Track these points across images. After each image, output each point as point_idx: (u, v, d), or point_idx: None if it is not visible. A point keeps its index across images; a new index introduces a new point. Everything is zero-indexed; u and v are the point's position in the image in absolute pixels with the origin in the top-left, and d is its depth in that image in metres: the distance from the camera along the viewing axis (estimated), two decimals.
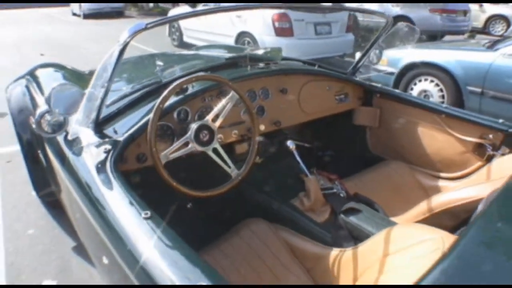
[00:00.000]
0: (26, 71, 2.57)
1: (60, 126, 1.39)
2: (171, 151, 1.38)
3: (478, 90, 3.67)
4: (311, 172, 1.78)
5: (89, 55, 7.61)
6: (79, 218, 1.47)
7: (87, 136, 1.37)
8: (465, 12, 10.25)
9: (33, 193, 2.65)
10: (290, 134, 2.16)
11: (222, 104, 1.49)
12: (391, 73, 4.34)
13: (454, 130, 1.92)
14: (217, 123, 1.47)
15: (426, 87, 4.11)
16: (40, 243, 2.22)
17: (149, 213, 1.01)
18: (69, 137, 1.44)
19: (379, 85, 2.23)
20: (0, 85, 5.40)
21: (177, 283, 0.82)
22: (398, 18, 10.39)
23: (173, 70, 1.76)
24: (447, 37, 10.15)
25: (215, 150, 1.47)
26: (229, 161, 1.49)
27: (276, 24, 5.84)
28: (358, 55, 2.21)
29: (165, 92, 1.38)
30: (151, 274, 0.88)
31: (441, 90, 3.99)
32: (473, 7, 14.03)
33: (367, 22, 10.87)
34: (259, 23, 6.05)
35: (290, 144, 1.76)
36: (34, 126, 1.41)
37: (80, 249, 2.14)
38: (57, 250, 2.16)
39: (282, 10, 5.71)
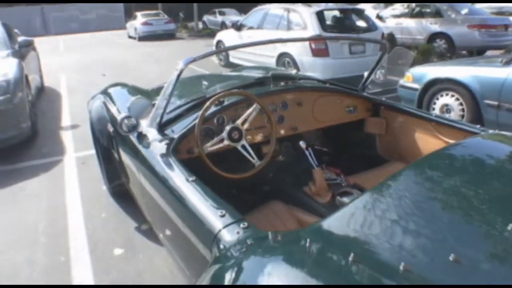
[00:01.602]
0: (100, 89, 3.25)
1: (134, 128, 1.98)
2: (211, 145, 1.94)
3: (495, 103, 3.99)
4: (320, 167, 2.26)
5: (146, 74, 8.45)
6: (147, 199, 2.05)
7: (153, 135, 1.96)
8: (506, 27, 10.25)
9: (104, 187, 3.31)
10: (309, 139, 2.65)
11: (249, 113, 2.04)
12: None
13: (442, 135, 2.33)
14: (245, 126, 2.02)
15: (447, 102, 4.46)
16: (110, 223, 2.84)
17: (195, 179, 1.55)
18: (141, 135, 2.03)
19: (383, 99, 2.69)
20: (74, 102, 6.29)
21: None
22: (436, 35, 10.66)
23: (214, 88, 2.35)
24: (489, 52, 10.17)
25: (243, 146, 2.01)
26: (253, 154, 2.02)
27: (313, 45, 6.36)
28: (366, 74, 2.69)
29: (207, 104, 1.95)
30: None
31: (461, 104, 4.33)
32: None
33: (405, 40, 11.11)
34: (298, 44, 6.59)
35: (302, 144, 2.26)
36: (116, 127, 2.01)
37: (139, 229, 2.74)
38: (123, 228, 2.77)
39: (317, 33, 6.25)
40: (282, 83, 2.42)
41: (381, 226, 1.08)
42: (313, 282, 0.94)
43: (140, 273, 2.31)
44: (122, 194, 3.06)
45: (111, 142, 2.67)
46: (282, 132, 2.31)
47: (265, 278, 0.99)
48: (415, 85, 4.77)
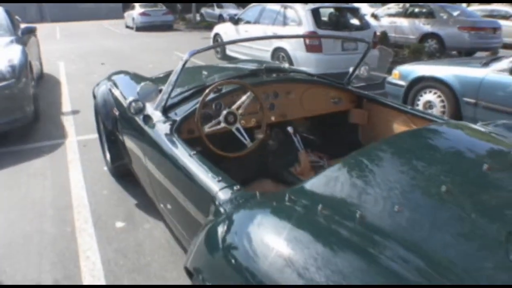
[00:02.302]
0: (100, 77, 3.47)
1: (140, 110, 2.21)
2: (209, 127, 2.18)
3: (473, 101, 4.26)
4: (306, 151, 2.51)
5: (144, 64, 8.65)
6: (150, 175, 2.28)
7: (158, 116, 2.20)
8: (494, 30, 10.55)
9: (105, 168, 3.54)
10: (298, 127, 2.90)
11: (243, 99, 2.28)
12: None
13: (416, 125, 2.57)
14: (240, 111, 2.26)
15: (430, 98, 4.73)
16: (112, 199, 3.08)
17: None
18: (147, 117, 2.26)
19: (366, 92, 2.94)
20: (73, 89, 6.48)
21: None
22: (428, 35, 10.94)
23: (213, 77, 2.59)
24: (478, 54, 10.45)
25: (237, 129, 2.26)
26: (246, 136, 2.27)
27: (307, 41, 6.60)
28: (351, 69, 2.94)
29: (207, 91, 2.19)
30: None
31: (442, 101, 4.60)
32: (510, 23, 14.26)
33: (398, 39, 11.38)
34: (292, 40, 6.82)
35: (290, 129, 2.51)
36: (121, 110, 2.24)
37: (139, 205, 2.98)
38: (124, 204, 3.00)
39: (311, 29, 6.49)
40: (274, 75, 2.66)
41: (347, 186, 1.34)
42: (299, 230, 1.17)
43: (140, 242, 2.55)
44: (123, 174, 3.29)
45: (116, 125, 2.90)
46: (273, 118, 2.56)
47: (255, 228, 1.23)
48: (402, 82, 5.04)
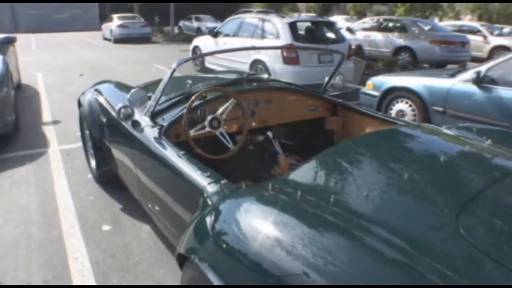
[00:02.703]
0: (86, 87, 3.57)
1: (129, 116, 2.33)
2: (194, 131, 2.32)
3: (441, 109, 4.53)
4: (285, 154, 2.67)
5: (123, 76, 8.66)
6: (139, 178, 2.39)
7: (146, 122, 2.32)
8: (463, 44, 11.08)
9: (90, 175, 3.62)
10: (278, 133, 3.06)
11: (226, 106, 2.43)
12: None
13: None
14: (223, 117, 2.41)
15: (402, 108, 4.98)
16: (98, 205, 3.15)
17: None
18: (135, 122, 2.38)
19: (340, 100, 3.14)
20: (53, 99, 6.49)
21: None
22: (401, 49, 11.37)
23: (197, 86, 2.73)
24: (449, 67, 10.87)
25: (221, 133, 2.40)
26: (229, 140, 2.41)
27: (285, 54, 6.82)
28: (326, 79, 3.13)
29: (193, 98, 2.33)
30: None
31: (413, 110, 4.86)
32: (478, 38, 14.94)
33: (372, 52, 11.77)
34: (270, 52, 7.05)
35: (270, 134, 2.67)
36: (108, 117, 2.36)
37: (125, 209, 3.07)
38: (110, 209, 3.08)
39: (288, 42, 6.72)
40: (255, 84, 2.83)
41: (323, 176, 1.54)
42: (284, 214, 1.31)
43: (127, 244, 2.64)
44: (108, 181, 3.38)
45: (103, 131, 2.99)
46: (254, 124, 2.72)
47: (242, 214, 1.37)
48: (375, 93, 5.28)
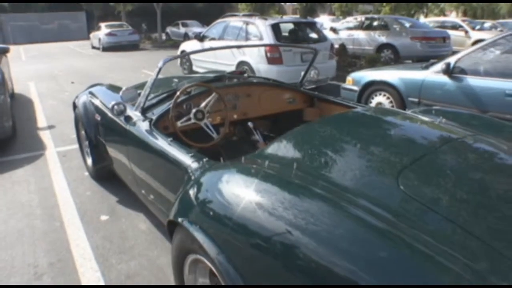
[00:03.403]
0: (84, 89, 3.81)
1: (122, 112, 2.58)
2: (181, 123, 2.57)
3: (416, 100, 4.81)
4: (265, 142, 2.92)
5: (113, 82, 8.79)
6: (132, 170, 2.63)
7: (138, 116, 2.56)
8: (444, 39, 11.43)
9: (86, 173, 3.84)
10: (259, 126, 3.31)
11: (209, 99, 2.68)
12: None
13: None
14: (207, 109, 2.66)
15: (380, 100, 5.26)
16: (95, 198, 3.38)
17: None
18: (128, 117, 2.62)
19: (316, 93, 3.40)
20: (47, 106, 6.69)
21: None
22: (384, 46, 11.69)
23: (183, 83, 2.98)
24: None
25: (205, 124, 2.65)
26: (213, 130, 2.66)
27: (268, 54, 7.10)
28: (302, 73, 3.39)
29: (178, 93, 2.58)
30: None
31: (391, 102, 5.14)
32: (460, 33, 15.33)
33: (355, 50, 12.09)
34: (255, 53, 7.32)
35: (250, 124, 2.92)
36: (102, 116, 2.61)
37: (121, 201, 3.30)
38: (107, 202, 3.31)
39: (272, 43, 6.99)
40: (235, 80, 3.08)
41: (292, 149, 1.78)
42: (263, 182, 1.50)
43: (123, 231, 2.88)
44: (104, 177, 3.61)
45: (98, 129, 3.23)
46: (235, 116, 2.97)
47: (224, 184, 1.60)
48: (355, 87, 5.56)
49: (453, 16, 34.45)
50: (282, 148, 1.81)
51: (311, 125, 2.02)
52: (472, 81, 4.33)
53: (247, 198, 1.45)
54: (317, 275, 1.16)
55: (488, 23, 18.81)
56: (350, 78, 5.71)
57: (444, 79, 4.54)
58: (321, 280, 1.15)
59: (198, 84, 2.79)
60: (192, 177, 1.79)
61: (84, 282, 2.34)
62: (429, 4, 33.53)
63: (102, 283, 2.33)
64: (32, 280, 2.36)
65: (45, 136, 5.15)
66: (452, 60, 4.56)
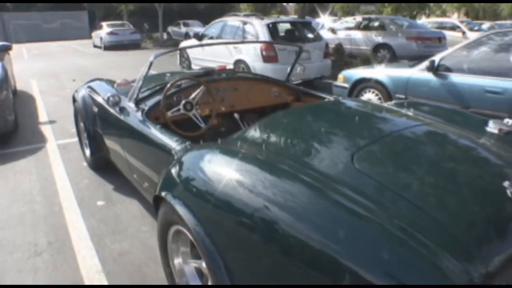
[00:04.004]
0: (83, 83, 4.01)
1: (116, 103, 2.78)
2: (171, 113, 2.76)
3: (403, 96, 5.00)
4: None
5: (114, 79, 9.10)
6: (127, 158, 2.82)
7: (131, 107, 2.76)
8: (439, 39, 11.60)
9: (84, 164, 4.04)
10: (248, 119, 3.50)
11: (197, 92, 2.88)
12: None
13: None
14: (195, 101, 2.86)
15: (369, 97, 5.45)
16: (92, 186, 3.58)
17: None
18: (122, 108, 2.82)
19: (301, 87, 3.60)
20: (48, 103, 6.89)
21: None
22: (380, 46, 11.86)
23: (174, 77, 3.18)
24: None
25: (194, 114, 2.84)
26: (201, 120, 2.86)
27: (264, 53, 7.30)
28: (288, 69, 3.59)
29: (168, 85, 2.78)
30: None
31: (380, 98, 5.33)
32: (457, 34, 15.48)
33: (352, 50, 12.27)
34: (251, 52, 7.51)
35: (236, 115, 3.12)
36: (100, 108, 2.82)
37: (116, 189, 3.50)
38: (103, 189, 3.51)
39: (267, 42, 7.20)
40: (224, 75, 3.28)
41: (265, 133, 1.97)
42: (243, 162, 1.66)
43: (117, 215, 3.08)
44: (101, 167, 3.81)
45: (95, 121, 3.43)
46: (223, 108, 3.17)
47: (205, 163, 1.78)
48: (346, 84, 5.75)
49: (454, 17, 34.66)
50: (256, 132, 2.00)
51: (283, 113, 2.21)
52: (455, 78, 4.52)
53: (228, 177, 1.60)
54: (284, 244, 1.32)
55: (486, 24, 18.93)
56: (341, 75, 5.91)
57: (429, 76, 4.73)
58: (287, 249, 1.31)
59: (187, 78, 2.99)
60: (175, 157, 1.98)
61: (79, 258, 2.54)
62: (431, 5, 33.69)
63: (96, 259, 2.53)
64: (32, 256, 2.56)
65: (46, 130, 5.35)
66: (436, 58, 4.75)
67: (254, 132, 2.02)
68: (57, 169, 4.00)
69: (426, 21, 19.03)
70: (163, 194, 1.81)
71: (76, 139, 4.40)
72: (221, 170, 1.69)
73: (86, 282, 2.32)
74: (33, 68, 12.05)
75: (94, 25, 25.72)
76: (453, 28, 16.11)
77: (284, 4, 34.55)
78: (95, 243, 2.72)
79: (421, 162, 1.72)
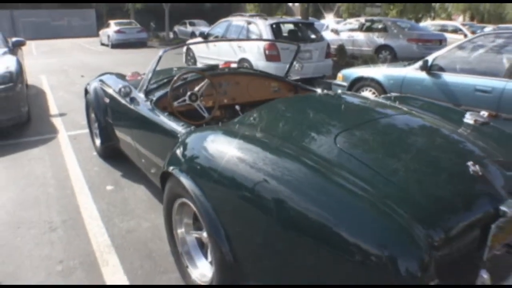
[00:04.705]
0: (95, 76, 4.26)
1: (127, 94, 3.03)
2: (177, 103, 3.01)
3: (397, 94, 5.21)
4: None
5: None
6: (135, 147, 3.07)
7: (141, 98, 3.01)
8: (440, 41, 11.78)
9: (94, 153, 4.29)
10: (246, 110, 3.73)
11: (202, 84, 3.12)
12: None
13: None
14: (200, 93, 3.10)
15: (367, 95, 5.67)
16: (102, 173, 3.83)
17: None
18: (133, 98, 3.06)
19: (299, 83, 3.83)
20: (58, 97, 7.16)
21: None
22: (382, 47, 12.06)
23: (180, 71, 3.42)
24: None
25: (198, 105, 3.09)
26: (205, 110, 3.10)
27: (267, 52, 7.54)
28: (287, 66, 3.82)
29: (175, 78, 3.02)
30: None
31: (376, 96, 5.54)
32: (459, 37, 15.64)
33: (354, 51, 12.48)
34: (254, 51, 7.76)
35: (237, 107, 3.35)
36: (111, 98, 3.08)
37: (124, 175, 3.75)
38: (112, 176, 3.76)
39: (270, 42, 7.43)
40: (227, 69, 3.52)
41: (267, 118, 2.23)
42: (244, 142, 1.86)
43: (126, 198, 3.32)
44: (110, 155, 4.06)
45: (106, 111, 3.68)
46: (225, 101, 3.41)
47: (209, 142, 2.01)
48: (344, 83, 5.97)
49: (460, 20, 34.77)
50: (254, 117, 2.24)
51: (279, 101, 2.46)
52: (447, 77, 4.73)
53: (229, 154, 1.81)
54: (281, 214, 1.53)
55: (488, 28, 19.07)
56: (340, 74, 6.13)
57: (423, 75, 4.95)
58: (283, 218, 1.52)
59: (193, 71, 3.24)
60: (181, 138, 2.21)
61: (91, 235, 2.79)
62: (437, 8, 33.66)
63: (106, 236, 2.77)
64: (48, 232, 2.81)
65: (57, 122, 5.61)
66: (430, 58, 4.97)
67: (253, 117, 2.25)
68: (68, 157, 4.25)
69: (429, 24, 19.24)
70: (170, 168, 2.04)
71: (86, 130, 4.66)
72: (224, 148, 1.90)
73: (97, 255, 2.57)
74: (43, 64, 12.35)
75: (101, 23, 26.04)
76: (455, 31, 16.34)
77: (290, 4, 34.76)
78: (105, 222, 2.96)
79: (398, 144, 1.95)
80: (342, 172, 1.63)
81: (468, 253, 1.54)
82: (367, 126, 2.08)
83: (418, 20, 21.55)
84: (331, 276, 1.44)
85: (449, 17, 38.45)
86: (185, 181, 1.92)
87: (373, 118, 2.19)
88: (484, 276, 1.40)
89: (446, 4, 41.62)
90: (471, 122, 2.35)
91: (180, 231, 2.20)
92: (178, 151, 2.10)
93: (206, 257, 2.13)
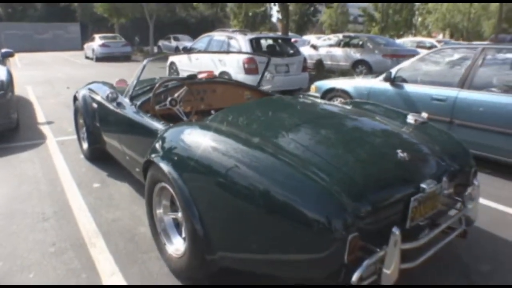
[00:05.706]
0: (83, 85, 4.60)
1: (114, 99, 3.39)
2: (159, 107, 3.38)
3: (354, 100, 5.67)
4: None
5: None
6: (121, 148, 3.41)
7: (126, 102, 3.37)
8: (413, 56, 12.39)
9: (81, 156, 4.61)
10: None
11: (181, 91, 3.50)
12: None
13: None
14: (179, 98, 3.47)
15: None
16: (89, 173, 4.15)
17: None
18: (119, 103, 3.42)
19: (270, 91, 4.23)
20: (45, 106, 7.42)
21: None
22: (359, 62, 12.63)
23: (162, 79, 3.80)
24: None
25: (177, 109, 3.46)
26: (183, 114, 3.47)
27: (246, 65, 7.97)
28: (259, 76, 4.23)
29: (157, 85, 3.39)
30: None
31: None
32: None
33: (333, 66, 13.07)
34: (234, 65, 8.18)
35: (213, 112, 3.73)
36: (99, 104, 3.45)
37: (110, 175, 4.07)
38: (98, 175, 4.08)
39: (250, 56, 7.87)
40: (204, 79, 3.92)
41: (235, 116, 2.59)
42: (217, 134, 2.23)
43: (111, 194, 3.65)
44: (96, 157, 4.38)
45: (94, 116, 4.02)
46: (202, 106, 3.79)
47: (186, 135, 2.37)
48: (317, 94, 6.42)
49: (440, 38, 36.08)
50: (224, 116, 2.63)
51: (244, 104, 2.87)
52: (408, 87, 5.20)
53: (205, 144, 2.17)
54: (247, 193, 1.90)
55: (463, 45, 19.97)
56: (313, 86, 6.59)
57: (387, 86, 5.41)
58: (249, 197, 1.88)
59: (173, 79, 3.62)
60: (159, 134, 2.58)
61: (80, 224, 3.10)
62: (418, 25, 34.76)
63: (94, 224, 3.09)
64: (41, 221, 3.12)
65: (45, 129, 5.91)
66: (393, 70, 5.45)
67: (223, 116, 2.63)
68: (57, 160, 4.56)
69: (408, 40, 20.05)
70: (152, 156, 2.40)
71: (73, 136, 4.97)
72: (199, 139, 2.26)
73: (86, 239, 2.89)
74: (28, 75, 12.59)
75: (85, 37, 26.30)
76: (431, 47, 17.09)
77: (274, 20, 35.54)
78: (92, 213, 3.28)
79: (340, 134, 2.38)
80: (288, 155, 2.03)
81: (394, 222, 1.92)
82: (318, 120, 2.49)
83: (399, 36, 22.29)
84: (272, 231, 1.85)
85: (429, 35, 39.81)
86: (165, 167, 2.27)
87: (323, 115, 2.62)
88: (396, 232, 1.78)
89: (427, 22, 43.07)
90: (412, 121, 2.78)
91: (159, 211, 2.55)
92: (159, 143, 2.46)
93: (180, 235, 2.47)
